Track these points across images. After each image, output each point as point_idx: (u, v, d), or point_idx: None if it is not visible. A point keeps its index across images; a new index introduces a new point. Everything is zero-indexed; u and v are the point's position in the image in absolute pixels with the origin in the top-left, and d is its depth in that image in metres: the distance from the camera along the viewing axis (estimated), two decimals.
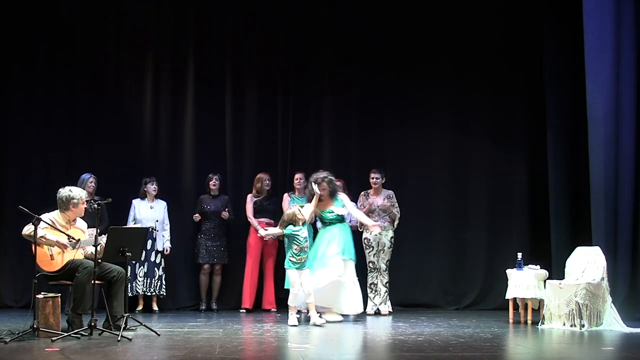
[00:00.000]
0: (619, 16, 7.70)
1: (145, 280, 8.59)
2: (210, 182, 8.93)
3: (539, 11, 9.08)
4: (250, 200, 8.91)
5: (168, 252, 8.77)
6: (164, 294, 8.73)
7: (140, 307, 8.66)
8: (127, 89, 9.30)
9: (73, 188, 6.89)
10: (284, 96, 9.44)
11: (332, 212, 7.99)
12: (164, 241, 8.75)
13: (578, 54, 8.22)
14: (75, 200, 6.75)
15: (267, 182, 8.92)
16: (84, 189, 7.17)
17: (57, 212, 6.79)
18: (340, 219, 8.02)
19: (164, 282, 8.71)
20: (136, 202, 8.77)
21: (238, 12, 9.41)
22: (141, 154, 9.23)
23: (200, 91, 9.34)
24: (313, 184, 7.94)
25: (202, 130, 9.29)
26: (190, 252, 8.98)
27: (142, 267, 8.58)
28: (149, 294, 8.62)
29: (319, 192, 7.89)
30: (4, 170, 9.08)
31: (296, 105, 9.43)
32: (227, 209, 8.88)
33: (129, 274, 8.36)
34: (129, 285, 8.40)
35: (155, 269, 8.66)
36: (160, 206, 8.82)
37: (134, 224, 8.48)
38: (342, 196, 8.08)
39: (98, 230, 6.67)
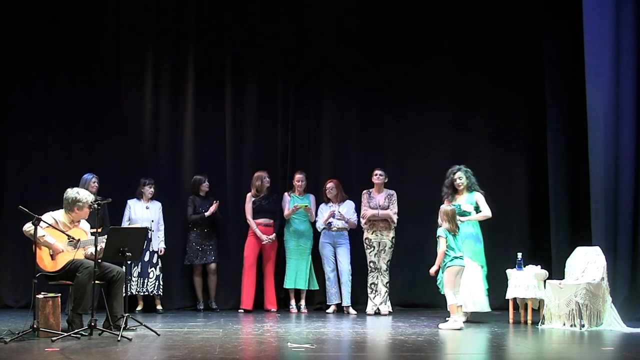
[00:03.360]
0: (619, 16, 7.71)
1: (138, 280, 8.58)
2: (203, 185, 8.90)
3: (539, 11, 9.08)
4: (248, 200, 8.88)
5: (162, 252, 8.76)
6: (161, 293, 8.72)
7: (140, 307, 8.65)
8: (127, 85, 9.29)
9: (81, 190, 6.90)
10: (284, 94, 9.43)
11: (459, 206, 7.79)
12: (158, 242, 8.74)
13: (578, 54, 8.23)
14: (80, 203, 6.76)
15: (267, 180, 8.89)
16: (86, 190, 7.17)
17: (61, 211, 6.80)
18: (467, 214, 7.80)
19: (161, 282, 8.70)
20: (132, 203, 8.76)
21: (238, 10, 9.41)
22: (141, 152, 9.23)
23: (200, 88, 9.34)
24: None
25: (201, 128, 9.29)
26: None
27: (136, 267, 8.58)
28: (142, 293, 8.61)
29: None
30: (3, 168, 9.07)
31: (296, 103, 9.43)
32: (214, 206, 8.80)
33: (128, 274, 8.43)
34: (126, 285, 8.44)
35: (152, 268, 8.64)
36: (156, 207, 8.81)
37: (129, 224, 8.47)
38: (479, 196, 7.89)
39: (99, 231, 6.67)
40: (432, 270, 7.32)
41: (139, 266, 8.58)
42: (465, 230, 7.73)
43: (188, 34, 9.38)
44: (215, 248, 8.90)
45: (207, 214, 8.76)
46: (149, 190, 8.75)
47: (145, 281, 8.59)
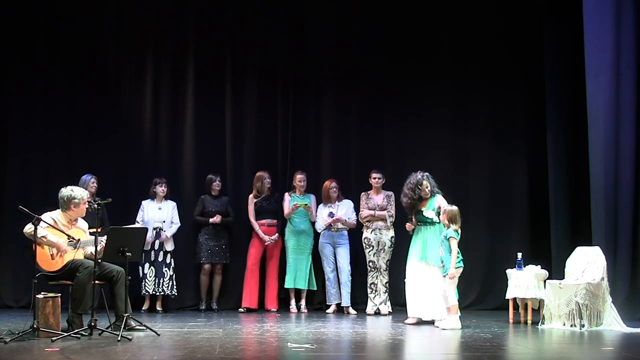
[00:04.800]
0: (619, 16, 7.70)
1: (155, 281, 8.59)
2: (214, 184, 8.91)
3: (539, 11, 9.09)
4: (250, 202, 8.90)
5: (163, 237, 8.66)
6: (176, 293, 8.72)
7: (145, 307, 8.66)
8: (127, 85, 9.28)
9: (75, 188, 6.89)
10: (284, 94, 9.43)
11: (421, 212, 7.72)
12: (168, 234, 8.70)
13: (578, 54, 8.22)
14: (76, 200, 6.75)
15: (268, 180, 8.90)
16: (85, 190, 7.16)
17: (58, 211, 6.80)
18: (430, 222, 7.70)
19: (174, 282, 8.70)
20: (145, 203, 8.77)
21: (238, 11, 9.41)
22: (141, 152, 9.23)
23: (200, 88, 9.33)
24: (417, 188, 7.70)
25: (202, 129, 9.29)
26: (190, 252, 8.97)
27: (151, 267, 8.59)
28: (159, 294, 8.61)
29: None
30: (3, 168, 9.07)
31: (296, 103, 9.42)
32: (217, 216, 8.78)
33: (140, 273, 8.44)
34: (142, 285, 8.53)
35: (166, 269, 8.65)
36: (169, 207, 8.80)
37: (143, 224, 8.46)
38: (440, 199, 7.69)
39: (98, 231, 6.67)
40: (451, 274, 7.24)
41: (155, 267, 8.60)
42: (433, 232, 7.67)
43: (188, 34, 9.38)
44: (227, 248, 8.90)
45: (210, 220, 8.78)
46: (160, 189, 8.75)
47: (161, 281, 8.60)
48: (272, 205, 8.89)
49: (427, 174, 7.82)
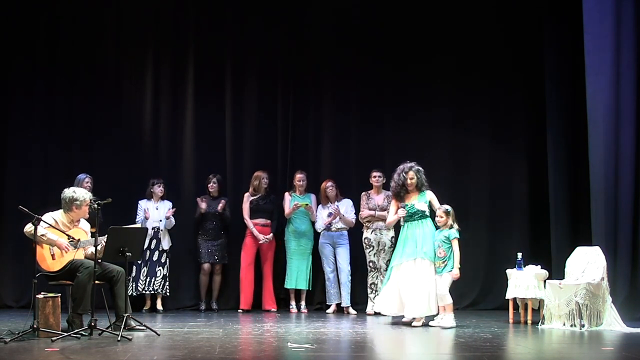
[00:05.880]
0: (619, 16, 7.71)
1: (146, 280, 8.59)
2: (209, 185, 8.93)
3: (540, 11, 9.09)
4: (246, 200, 8.89)
5: (169, 214, 8.69)
6: (168, 293, 8.72)
7: (147, 307, 8.67)
8: (127, 85, 9.29)
9: (77, 189, 6.90)
10: (284, 95, 9.45)
11: (412, 205, 7.62)
12: (161, 227, 8.70)
13: (578, 54, 8.23)
14: (78, 202, 6.76)
15: (266, 180, 8.90)
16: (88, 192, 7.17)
17: (60, 211, 6.81)
18: (420, 214, 7.61)
19: (167, 281, 8.70)
20: (142, 203, 8.78)
21: (238, 11, 9.41)
22: (141, 152, 9.23)
23: (200, 88, 9.35)
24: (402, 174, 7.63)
25: (202, 129, 9.30)
26: (190, 252, 8.98)
27: (145, 266, 8.59)
28: (149, 292, 8.62)
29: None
30: (3, 168, 9.08)
31: (296, 103, 9.44)
32: (222, 204, 8.81)
33: (133, 273, 8.43)
34: (134, 285, 8.53)
35: (159, 267, 8.65)
36: (166, 206, 8.81)
37: (141, 225, 8.47)
38: (431, 195, 7.68)
39: (96, 231, 6.68)
40: (456, 275, 7.30)
41: (147, 265, 8.60)
42: (424, 227, 7.60)
43: (188, 34, 9.39)
44: (225, 249, 8.91)
45: (202, 206, 8.76)
46: (158, 189, 8.77)
47: (152, 280, 8.60)
48: (267, 206, 8.89)
49: (420, 168, 7.72)
